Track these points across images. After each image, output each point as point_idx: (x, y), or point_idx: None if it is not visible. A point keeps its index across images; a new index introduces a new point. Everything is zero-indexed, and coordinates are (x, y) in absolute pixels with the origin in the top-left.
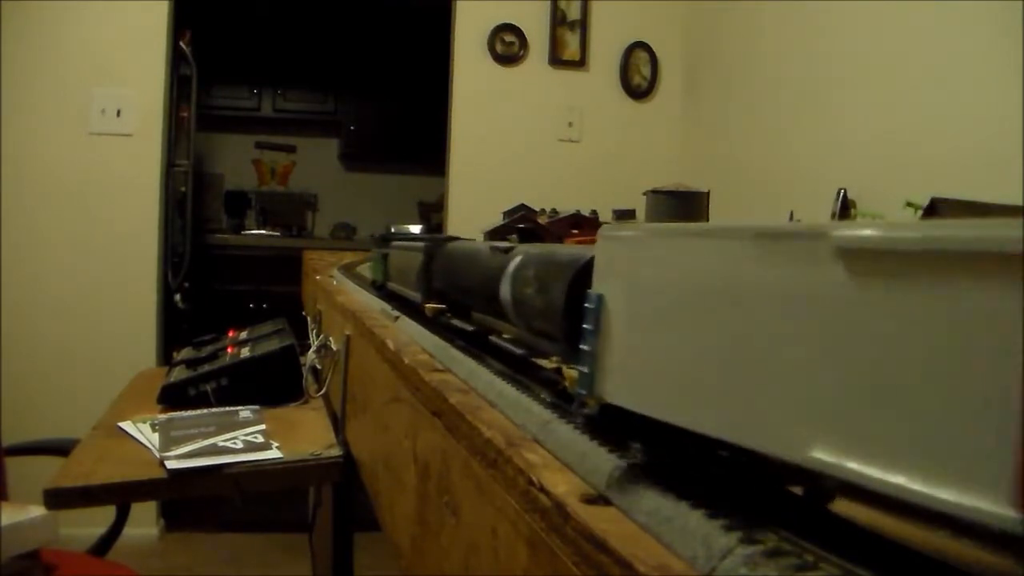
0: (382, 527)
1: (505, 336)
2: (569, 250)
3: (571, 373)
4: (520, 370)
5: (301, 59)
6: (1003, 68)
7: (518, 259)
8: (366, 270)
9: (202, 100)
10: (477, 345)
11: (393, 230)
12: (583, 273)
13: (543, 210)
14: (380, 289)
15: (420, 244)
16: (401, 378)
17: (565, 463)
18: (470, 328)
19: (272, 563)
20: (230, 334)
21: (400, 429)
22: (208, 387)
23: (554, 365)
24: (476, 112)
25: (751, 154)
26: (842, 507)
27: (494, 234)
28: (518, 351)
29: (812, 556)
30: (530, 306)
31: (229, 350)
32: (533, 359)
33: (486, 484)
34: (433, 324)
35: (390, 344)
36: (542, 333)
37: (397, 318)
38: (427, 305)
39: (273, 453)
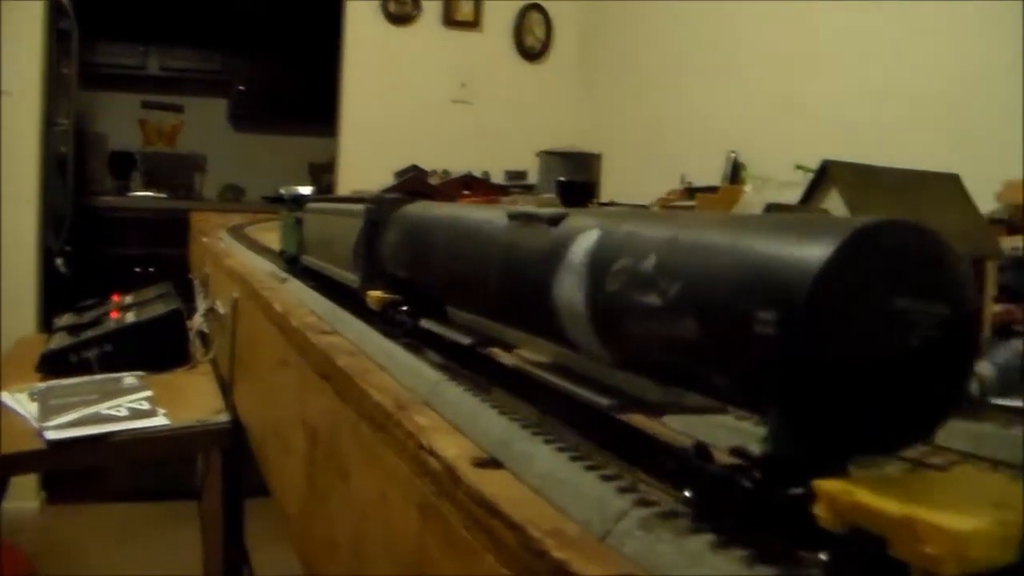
0: (271, 493)
1: (559, 366)
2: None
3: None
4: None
5: (189, 16)
6: (894, 36)
7: (594, 237)
8: (256, 232)
9: (86, 57)
10: (481, 369)
11: (282, 192)
12: (834, 281)
13: (435, 171)
14: (292, 263)
15: (355, 207)
16: (289, 341)
17: (456, 426)
18: (463, 340)
19: (160, 533)
20: (114, 299)
21: (288, 393)
22: (91, 354)
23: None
24: (368, 72)
25: (645, 116)
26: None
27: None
28: (604, 401)
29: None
30: (657, 332)
31: (113, 315)
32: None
33: (376, 448)
34: (390, 325)
35: (277, 306)
36: (689, 379)
37: (285, 280)
38: (371, 293)
39: (159, 420)
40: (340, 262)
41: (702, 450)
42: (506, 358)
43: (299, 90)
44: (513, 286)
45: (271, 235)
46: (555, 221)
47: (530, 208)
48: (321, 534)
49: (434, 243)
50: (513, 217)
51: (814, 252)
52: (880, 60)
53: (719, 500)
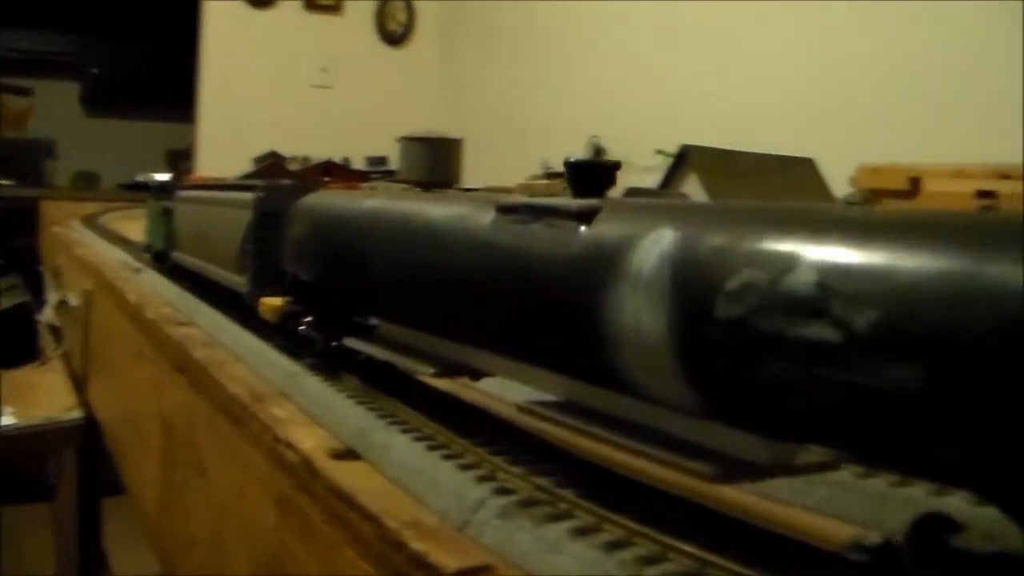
0: (128, 491)
1: (597, 415)
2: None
3: None
4: None
5: None
6: (753, 23)
7: (670, 240)
8: (112, 221)
9: None
10: (453, 410)
11: (139, 179)
12: None
13: (294, 157)
14: (160, 260)
15: (241, 196)
16: (144, 333)
17: (313, 416)
18: (420, 368)
19: (10, 538)
20: None
21: (144, 387)
22: None
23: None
24: (227, 56)
25: (507, 101)
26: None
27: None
28: (703, 468)
29: (567, 504)
30: (819, 378)
31: None
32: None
33: (232, 442)
34: (291, 340)
35: (132, 297)
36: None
37: (139, 270)
38: (265, 301)
39: (6, 419)
40: (223, 261)
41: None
42: (483, 395)
43: (156, 74)
44: (515, 302)
45: (128, 224)
46: (586, 216)
47: (539, 199)
48: (179, 531)
49: (367, 242)
50: (506, 210)
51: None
52: (740, 46)
53: None
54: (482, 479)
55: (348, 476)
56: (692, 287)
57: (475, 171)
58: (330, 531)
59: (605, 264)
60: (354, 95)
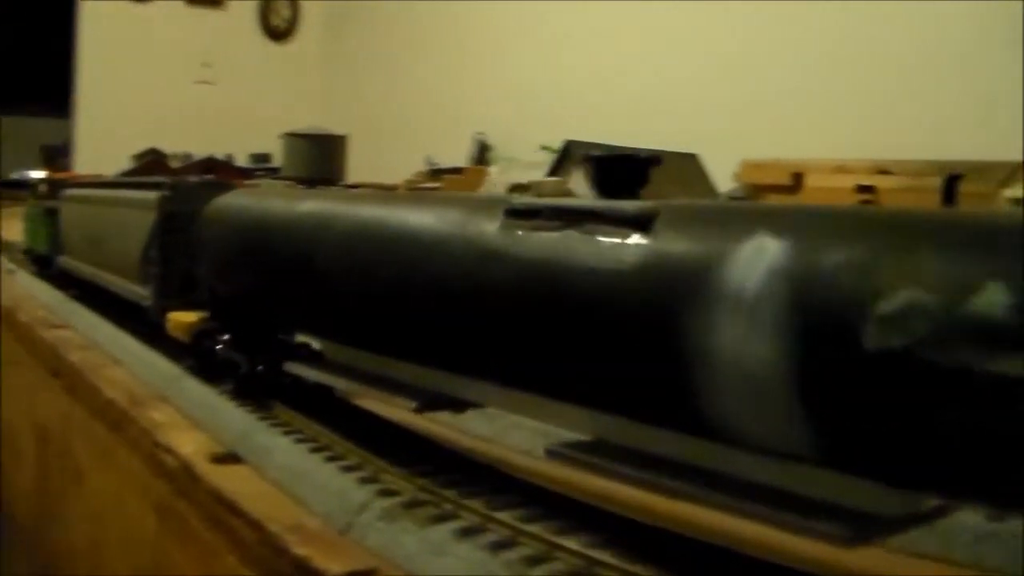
0: (1, 504)
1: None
2: None
3: None
4: None
5: None
6: (637, 18)
7: (777, 253)
8: None
9: None
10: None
11: (14, 176)
12: None
13: (175, 154)
14: (43, 266)
15: (143, 195)
16: (17, 338)
17: (194, 420)
18: (399, 402)
19: None
20: None
21: (17, 393)
22: None
23: None
24: (106, 50)
25: (392, 97)
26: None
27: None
28: (832, 530)
29: (451, 504)
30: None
31: None
32: None
33: (110, 448)
34: (207, 362)
35: (3, 300)
36: None
37: (13, 271)
38: (174, 316)
39: None
40: (121, 269)
41: None
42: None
43: (30, 67)
44: (536, 326)
45: (5, 224)
46: (643, 222)
47: (566, 200)
48: (56, 542)
49: (320, 251)
50: (520, 214)
51: None
52: (625, 44)
53: None
54: (365, 481)
55: (229, 480)
56: (822, 310)
57: (360, 168)
58: (211, 537)
59: (682, 281)
60: (237, 91)
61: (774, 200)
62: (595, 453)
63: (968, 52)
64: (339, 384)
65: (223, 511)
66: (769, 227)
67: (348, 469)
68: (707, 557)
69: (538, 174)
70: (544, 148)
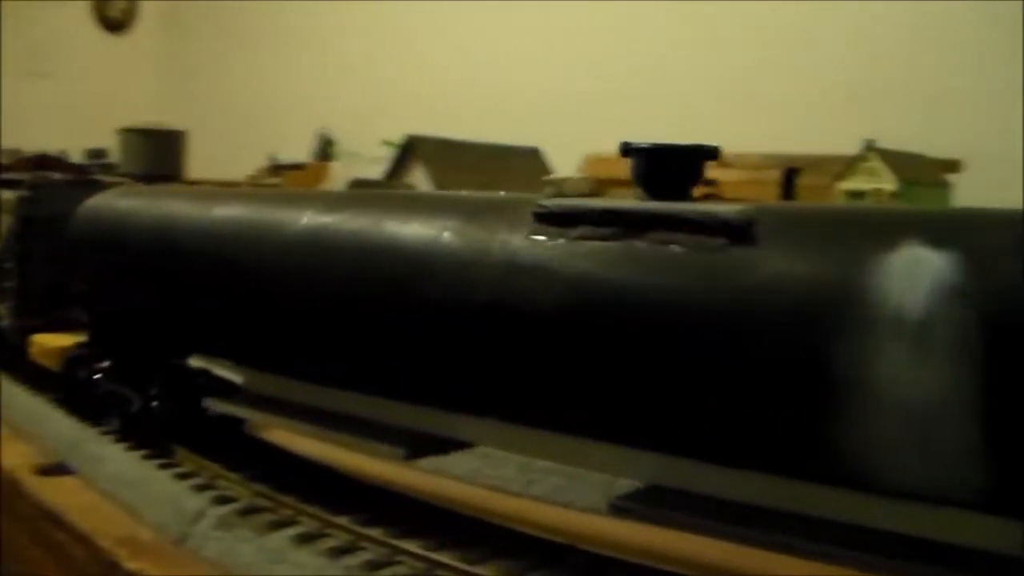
0: None
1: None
2: None
3: None
4: None
5: None
6: (480, 17)
7: (935, 265)
8: None
9: None
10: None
11: None
12: None
13: (5, 150)
14: None
15: None
16: None
17: (20, 430)
18: (386, 449)
19: None
20: None
21: None
22: None
23: None
24: None
25: (233, 92)
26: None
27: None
28: None
29: (291, 509)
30: None
31: None
32: None
33: None
34: (84, 395)
35: None
36: None
37: None
38: (39, 339)
39: None
40: None
41: None
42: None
43: None
44: (587, 361)
45: None
46: (739, 231)
47: (616, 202)
48: None
49: (250, 261)
50: (557, 219)
51: None
52: (468, 38)
53: None
54: (201, 488)
55: (56, 493)
56: (1013, 331)
57: (199, 164)
58: (37, 554)
59: (812, 303)
60: (71, 84)
61: (618, 194)
62: (662, 504)
63: (805, 47)
64: (293, 427)
65: (49, 526)
66: (913, 235)
67: (183, 476)
68: (549, 555)
69: (381, 169)
70: (386, 143)
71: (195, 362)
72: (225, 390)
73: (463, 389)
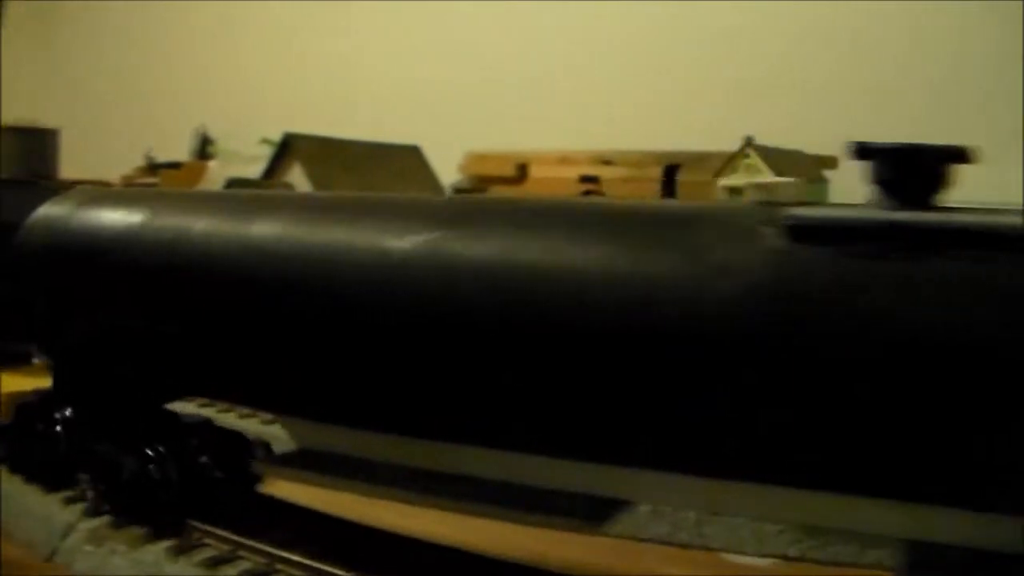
0: None
1: None
2: None
3: None
4: None
5: None
6: (355, 15)
7: None
8: None
9: None
10: None
11: None
12: None
13: None
14: None
15: None
16: None
17: None
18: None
19: None
20: None
21: None
22: None
23: None
24: None
25: (107, 90)
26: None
27: None
28: None
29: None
30: None
31: None
32: None
33: None
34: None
35: None
36: None
37: None
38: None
39: None
40: None
41: None
42: None
43: None
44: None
45: None
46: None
47: (878, 211)
48: None
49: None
50: (822, 234)
51: None
52: (347, 35)
53: None
54: (71, 500)
55: None
56: None
57: (73, 163)
58: None
59: None
60: None
61: (499, 191)
62: None
63: (686, 45)
64: (430, 503)
65: None
66: None
67: (51, 489)
68: (397, 553)
69: (259, 167)
70: (264, 141)
71: (181, 410)
72: (237, 446)
73: (689, 448)
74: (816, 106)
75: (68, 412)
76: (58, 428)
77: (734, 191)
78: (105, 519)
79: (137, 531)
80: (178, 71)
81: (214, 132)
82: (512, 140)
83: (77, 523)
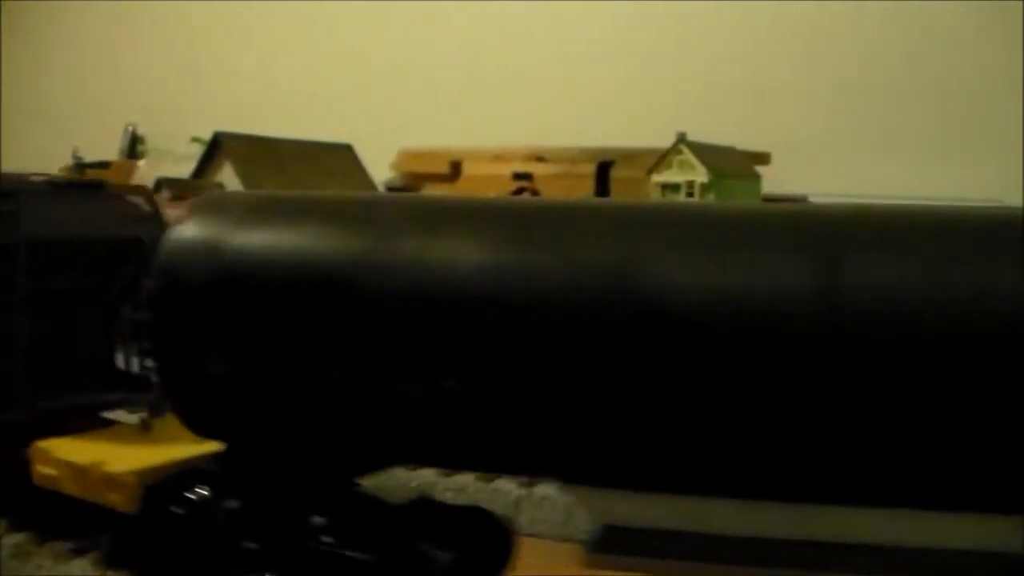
0: None
1: None
2: None
3: None
4: None
5: None
6: (288, 15)
7: None
8: None
9: None
10: None
11: None
12: None
13: None
14: None
15: None
16: None
17: None
18: None
19: None
20: None
21: None
22: None
23: None
24: None
25: (32, 88)
26: None
27: None
28: None
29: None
30: None
31: None
32: None
33: None
34: None
35: None
36: None
37: None
38: (53, 448)
39: None
40: None
41: None
42: None
43: None
44: None
45: None
46: None
47: None
48: None
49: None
50: None
51: None
52: (278, 34)
53: None
54: None
55: None
56: None
57: None
58: None
59: None
60: None
61: (433, 189)
62: None
63: (620, 42)
64: None
65: None
66: None
67: None
68: None
69: (190, 167)
70: (195, 140)
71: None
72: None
73: None
74: (751, 104)
75: (229, 498)
76: (227, 523)
77: (667, 187)
78: (31, 534)
79: (64, 546)
80: (107, 70)
81: (144, 131)
82: (445, 138)
83: (2, 538)
